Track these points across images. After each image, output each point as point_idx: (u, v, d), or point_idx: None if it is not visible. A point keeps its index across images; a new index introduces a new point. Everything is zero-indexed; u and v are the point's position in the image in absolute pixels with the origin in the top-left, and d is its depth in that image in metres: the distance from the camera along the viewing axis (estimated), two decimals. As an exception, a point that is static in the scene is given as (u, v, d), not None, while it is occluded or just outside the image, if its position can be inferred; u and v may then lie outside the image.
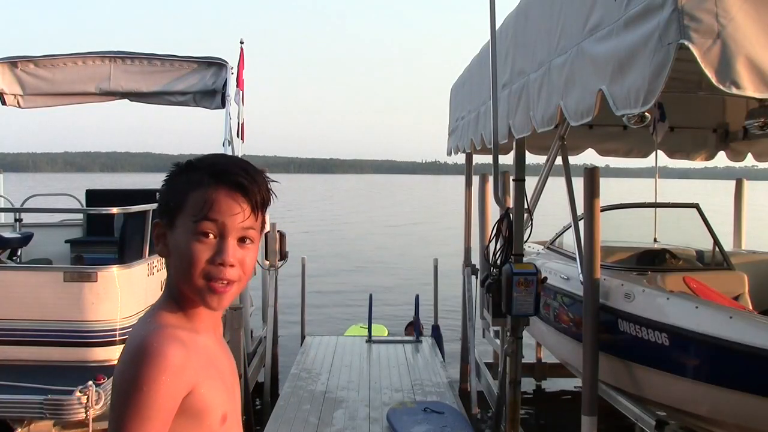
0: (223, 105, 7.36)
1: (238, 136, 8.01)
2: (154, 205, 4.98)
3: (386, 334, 8.83)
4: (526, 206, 4.76)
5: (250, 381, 6.40)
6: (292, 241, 7.91)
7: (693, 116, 6.48)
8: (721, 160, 6.98)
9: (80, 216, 7.89)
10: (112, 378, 1.13)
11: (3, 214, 7.56)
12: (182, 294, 1.22)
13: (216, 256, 1.18)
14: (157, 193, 1.28)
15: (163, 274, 5.01)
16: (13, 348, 4.29)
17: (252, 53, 8.50)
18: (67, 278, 4.31)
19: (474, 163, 7.84)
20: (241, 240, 1.22)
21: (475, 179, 7.42)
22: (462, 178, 8.10)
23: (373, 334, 8.29)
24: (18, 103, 7.29)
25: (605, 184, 4.13)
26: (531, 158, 5.45)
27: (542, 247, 6.52)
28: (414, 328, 8.42)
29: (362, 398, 6.06)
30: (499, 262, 4.77)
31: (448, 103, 7.97)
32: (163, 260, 1.27)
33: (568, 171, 4.58)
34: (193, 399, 1.15)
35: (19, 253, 6.75)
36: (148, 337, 1.14)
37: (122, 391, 1.10)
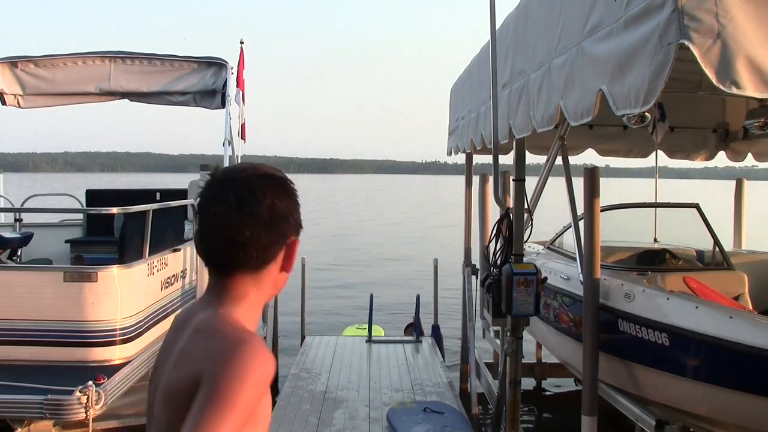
0: (223, 105, 7.35)
1: (239, 136, 8.02)
2: (154, 205, 5.00)
3: (383, 335, 8.81)
4: (526, 206, 4.75)
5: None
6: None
7: (693, 116, 6.48)
8: (721, 160, 6.98)
9: (80, 216, 7.89)
10: (203, 369, 1.15)
11: (3, 214, 7.55)
12: (261, 307, 1.28)
13: None
14: (250, 204, 1.30)
15: (163, 275, 5.00)
16: (13, 348, 4.29)
17: (252, 53, 8.51)
18: (67, 278, 4.30)
19: (474, 163, 7.84)
20: None
21: (475, 179, 7.42)
22: (462, 178, 8.11)
23: (362, 335, 8.31)
24: (18, 103, 7.28)
25: (605, 184, 4.13)
26: (531, 158, 5.46)
27: (542, 247, 6.52)
28: (414, 328, 8.42)
29: (362, 398, 6.06)
30: (499, 262, 4.77)
31: (448, 103, 7.97)
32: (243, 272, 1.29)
33: (568, 171, 4.57)
34: (261, 406, 1.17)
35: (19, 253, 6.75)
36: (253, 341, 1.16)
37: (226, 384, 1.10)
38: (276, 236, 1.26)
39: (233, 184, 1.26)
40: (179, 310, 1.68)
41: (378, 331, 8.80)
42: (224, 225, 1.24)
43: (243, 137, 8.10)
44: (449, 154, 7.72)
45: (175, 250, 5.33)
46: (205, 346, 1.17)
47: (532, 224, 4.89)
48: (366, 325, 8.41)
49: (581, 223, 4.31)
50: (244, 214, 1.23)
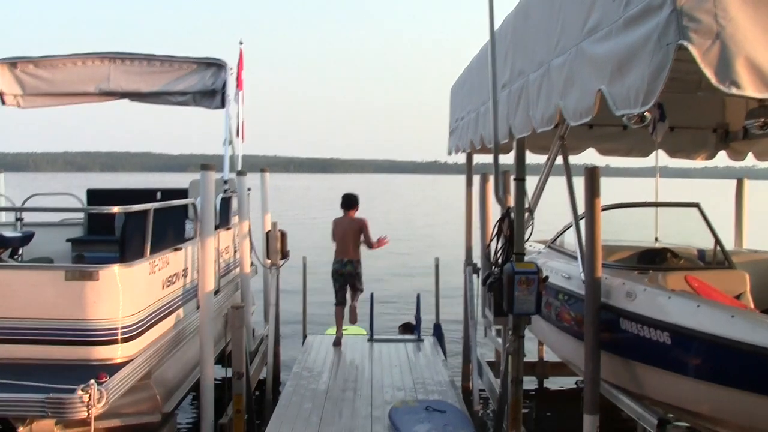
0: (222, 105, 7.37)
1: (237, 136, 8.04)
2: (155, 204, 5.02)
3: (363, 333, 8.77)
4: (527, 205, 4.76)
5: (252, 379, 6.41)
6: (294, 240, 7.94)
7: (693, 116, 6.48)
8: (722, 159, 6.98)
9: (81, 215, 7.90)
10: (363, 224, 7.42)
11: (4, 213, 7.56)
12: None
13: None
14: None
15: (164, 273, 5.05)
16: (15, 347, 4.29)
17: (251, 52, 8.54)
18: (68, 277, 4.30)
19: (474, 163, 7.85)
20: None
21: (476, 179, 7.43)
22: (462, 178, 8.11)
23: (349, 334, 8.32)
24: (18, 103, 7.29)
25: (606, 183, 4.13)
26: (532, 157, 5.46)
27: (543, 246, 6.53)
28: (415, 327, 8.42)
29: (364, 397, 6.07)
30: (500, 261, 4.78)
31: (448, 103, 7.98)
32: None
33: (568, 170, 4.58)
34: None
35: (20, 252, 6.76)
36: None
37: (366, 224, 7.95)
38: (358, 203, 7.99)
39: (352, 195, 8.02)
40: (336, 217, 8.04)
41: (359, 331, 8.77)
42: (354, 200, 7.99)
43: (242, 137, 8.13)
44: (450, 153, 7.73)
45: (176, 249, 5.34)
46: (361, 220, 7.85)
47: (533, 223, 4.89)
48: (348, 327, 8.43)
49: (582, 222, 4.31)
50: (357, 199, 7.99)
